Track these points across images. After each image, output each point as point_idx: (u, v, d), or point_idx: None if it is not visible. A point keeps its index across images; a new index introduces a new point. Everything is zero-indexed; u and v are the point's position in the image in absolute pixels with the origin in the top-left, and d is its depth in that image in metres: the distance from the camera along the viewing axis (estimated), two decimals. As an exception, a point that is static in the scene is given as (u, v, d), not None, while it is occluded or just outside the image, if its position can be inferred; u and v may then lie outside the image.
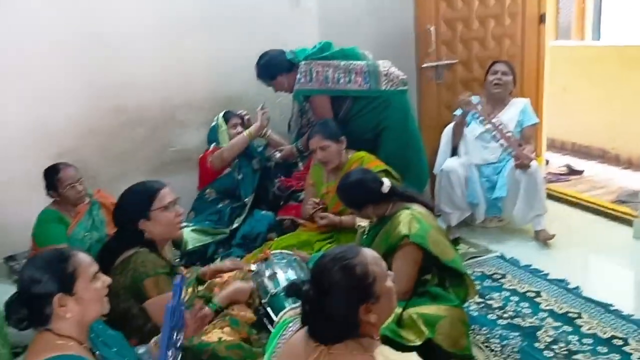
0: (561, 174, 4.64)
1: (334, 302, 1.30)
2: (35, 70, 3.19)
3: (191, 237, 3.06)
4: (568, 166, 4.79)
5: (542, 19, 3.95)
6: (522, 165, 3.17)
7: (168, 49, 3.47)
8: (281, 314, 1.68)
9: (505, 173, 3.37)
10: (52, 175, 2.84)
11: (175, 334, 1.56)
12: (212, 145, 3.34)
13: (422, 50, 3.75)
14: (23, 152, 3.25)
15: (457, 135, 3.47)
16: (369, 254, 1.38)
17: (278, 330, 1.54)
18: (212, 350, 1.90)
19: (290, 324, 1.50)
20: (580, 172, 4.68)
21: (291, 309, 1.61)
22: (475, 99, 3.37)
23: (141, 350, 1.73)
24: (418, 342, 1.95)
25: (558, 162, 4.96)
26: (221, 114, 3.38)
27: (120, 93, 3.43)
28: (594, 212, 3.70)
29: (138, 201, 2.10)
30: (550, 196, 3.87)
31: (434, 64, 3.78)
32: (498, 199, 3.40)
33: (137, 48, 3.41)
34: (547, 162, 4.83)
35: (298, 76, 3.09)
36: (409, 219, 2.15)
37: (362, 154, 2.95)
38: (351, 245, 1.50)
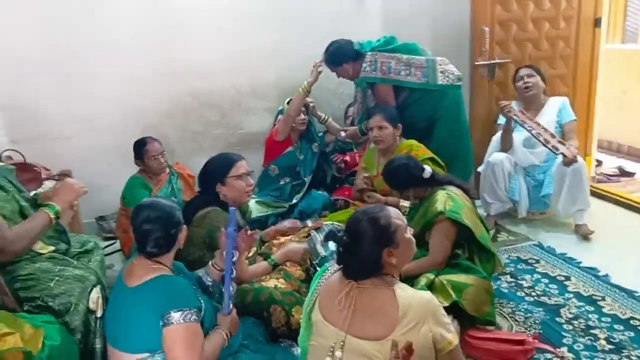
0: (612, 175, 4.72)
1: (362, 246, 1.63)
2: (124, 58, 3.68)
3: (255, 208, 3.46)
4: (620, 168, 4.85)
5: (597, 22, 4.06)
6: (569, 162, 3.30)
7: (238, 41, 3.87)
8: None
9: (552, 171, 3.54)
10: (140, 147, 3.30)
11: (233, 255, 1.93)
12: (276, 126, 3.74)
13: (476, 48, 3.98)
14: (113, 126, 3.76)
15: (506, 142, 3.60)
16: (393, 211, 1.71)
17: (319, 273, 1.87)
18: (269, 294, 2.26)
19: (329, 269, 1.83)
20: (632, 174, 4.74)
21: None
22: (514, 105, 3.54)
23: (200, 272, 2.11)
24: (445, 304, 2.24)
25: (611, 163, 5.02)
26: (286, 101, 3.74)
27: (194, 80, 3.88)
28: (638, 211, 3.80)
29: (218, 168, 2.49)
30: (597, 194, 4.01)
31: (487, 62, 3.99)
32: (546, 195, 3.58)
33: (210, 40, 3.83)
34: (600, 162, 4.91)
35: (364, 65, 3.41)
36: (445, 198, 2.45)
37: (412, 142, 3.22)
38: (380, 204, 1.83)
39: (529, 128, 3.39)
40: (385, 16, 4.02)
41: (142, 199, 3.19)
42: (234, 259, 1.95)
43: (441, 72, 3.42)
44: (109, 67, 3.66)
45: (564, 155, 3.28)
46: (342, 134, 3.73)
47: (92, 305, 1.96)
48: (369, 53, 3.42)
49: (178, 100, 3.89)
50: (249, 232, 2.26)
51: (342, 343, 1.61)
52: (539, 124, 3.39)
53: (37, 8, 3.48)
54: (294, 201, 3.61)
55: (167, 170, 3.44)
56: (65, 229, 2.32)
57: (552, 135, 3.33)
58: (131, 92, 3.76)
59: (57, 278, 1.93)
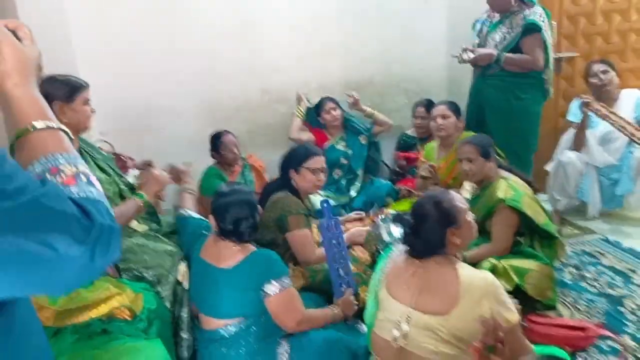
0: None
1: (427, 225, 1.76)
2: (200, 55, 3.89)
3: (318, 201, 3.62)
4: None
5: (671, 13, 3.96)
6: None
7: (308, 39, 4.03)
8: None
9: (631, 167, 3.48)
10: (216, 139, 3.55)
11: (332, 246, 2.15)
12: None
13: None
14: (191, 119, 4.00)
15: (581, 141, 3.54)
16: (456, 195, 1.84)
17: (385, 254, 2.01)
18: (336, 273, 2.43)
19: (394, 250, 1.97)
20: None
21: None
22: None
23: None
24: (508, 288, 2.32)
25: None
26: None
27: (267, 76, 4.07)
28: None
29: (297, 156, 2.69)
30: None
31: (555, 56, 3.97)
32: (622, 194, 3.54)
33: (281, 38, 4.00)
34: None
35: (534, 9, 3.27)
36: (505, 187, 2.53)
37: (471, 133, 3.29)
38: (444, 190, 1.95)
39: (612, 122, 3.33)
40: (451, 11, 4.08)
41: (217, 187, 3.52)
42: (338, 249, 2.13)
43: None
44: (189, 63, 3.89)
45: None
46: (469, 55, 3.36)
47: (180, 278, 2.18)
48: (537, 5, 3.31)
49: (249, 96, 4.11)
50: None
51: (408, 317, 1.74)
52: (621, 117, 3.34)
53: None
54: (353, 194, 3.75)
55: (240, 162, 3.67)
56: (156, 211, 2.57)
57: (637, 128, 3.27)
58: (205, 89, 4.00)
59: (151, 252, 2.18)
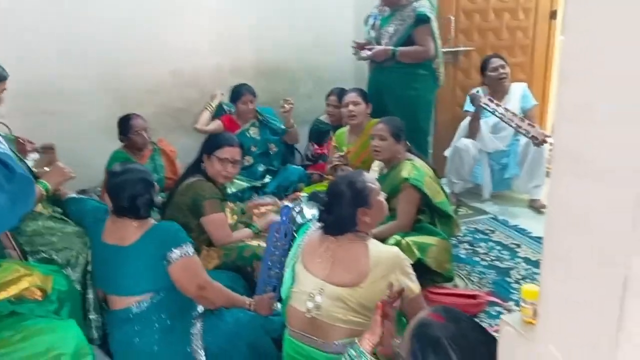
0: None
1: (341, 204, 1.89)
2: (107, 37, 3.77)
3: (229, 185, 3.66)
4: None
5: (553, 15, 4.39)
6: (541, 142, 3.56)
7: (220, 23, 4.03)
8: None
9: (517, 153, 3.84)
10: (125, 122, 3.46)
11: (280, 250, 2.23)
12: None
13: (442, 36, 4.23)
14: (96, 102, 3.86)
15: (474, 129, 3.84)
16: (368, 176, 1.97)
17: (302, 231, 2.11)
18: (253, 251, 2.53)
19: (311, 227, 2.08)
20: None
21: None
22: (482, 92, 3.82)
23: None
24: (411, 261, 2.50)
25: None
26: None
27: (177, 58, 4.02)
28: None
29: (210, 143, 2.71)
30: (547, 173, 4.36)
31: (452, 49, 4.27)
32: (510, 177, 3.91)
33: (193, 21, 3.97)
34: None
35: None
36: (410, 167, 2.73)
37: (378, 120, 3.48)
38: (358, 170, 2.08)
39: (500, 115, 3.61)
40: (358, 1, 4.24)
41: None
42: (279, 253, 2.22)
43: None
44: (92, 44, 3.76)
45: (535, 138, 3.53)
46: (367, 53, 3.56)
47: (90, 259, 2.15)
48: None
49: (161, 78, 4.03)
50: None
51: (321, 289, 1.86)
52: (507, 110, 3.65)
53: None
54: (266, 180, 3.83)
55: (150, 146, 3.61)
56: (59, 197, 2.49)
57: (522, 119, 3.60)
58: (114, 70, 3.88)
59: (59, 234, 2.12)
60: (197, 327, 2.04)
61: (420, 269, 2.56)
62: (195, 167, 2.70)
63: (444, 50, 4.21)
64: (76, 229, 2.19)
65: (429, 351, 1.07)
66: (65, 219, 2.31)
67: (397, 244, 2.61)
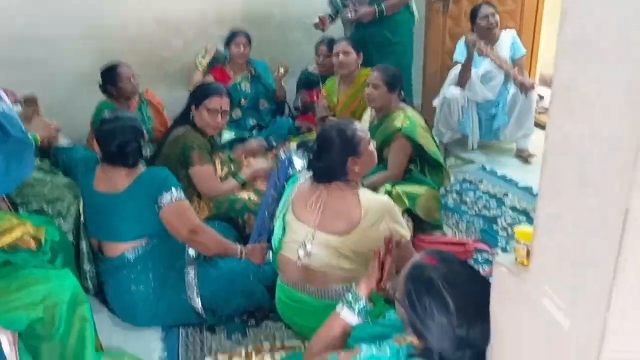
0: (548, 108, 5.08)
1: (331, 152, 1.88)
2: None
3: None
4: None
5: (545, -40, 4.29)
6: (529, 89, 3.60)
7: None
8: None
9: (506, 102, 3.82)
10: (111, 71, 3.33)
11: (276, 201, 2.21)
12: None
13: (432, -17, 4.16)
14: (75, 51, 3.74)
15: (465, 78, 3.78)
16: (358, 125, 1.96)
17: (292, 181, 2.12)
18: (244, 203, 2.54)
19: (301, 177, 2.08)
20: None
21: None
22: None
23: None
24: (401, 210, 2.55)
25: (548, 96, 5.38)
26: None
27: (161, 6, 3.89)
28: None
29: (199, 93, 2.66)
30: (539, 126, 4.36)
31: (443, -4, 4.19)
32: (498, 127, 3.90)
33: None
34: (542, 97, 5.28)
35: None
36: (402, 117, 2.72)
37: (369, 69, 3.44)
38: (349, 119, 2.08)
39: (493, 59, 3.62)
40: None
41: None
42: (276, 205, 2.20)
43: None
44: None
45: (523, 84, 3.55)
46: (353, 13, 3.60)
47: (82, 210, 2.15)
48: None
49: (144, 26, 3.91)
50: None
51: (312, 237, 1.88)
52: (499, 57, 3.63)
53: None
54: (254, 132, 3.78)
55: (137, 97, 3.53)
56: (48, 150, 2.45)
57: (512, 67, 3.59)
58: (95, 16, 3.74)
59: (50, 185, 2.11)
60: (192, 275, 2.07)
61: (410, 217, 2.61)
62: (184, 118, 2.66)
63: (433, -1, 4.16)
64: (66, 180, 2.18)
65: (423, 292, 1.10)
66: (55, 170, 2.29)
67: (388, 193, 2.63)
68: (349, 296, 1.43)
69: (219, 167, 2.88)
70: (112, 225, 2.07)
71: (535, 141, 3.95)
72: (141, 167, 2.15)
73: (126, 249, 2.06)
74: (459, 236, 2.81)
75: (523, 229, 0.99)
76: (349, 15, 3.56)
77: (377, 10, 3.54)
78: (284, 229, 2.01)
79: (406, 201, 2.59)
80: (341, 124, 1.95)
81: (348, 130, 1.91)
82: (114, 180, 2.09)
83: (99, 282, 2.17)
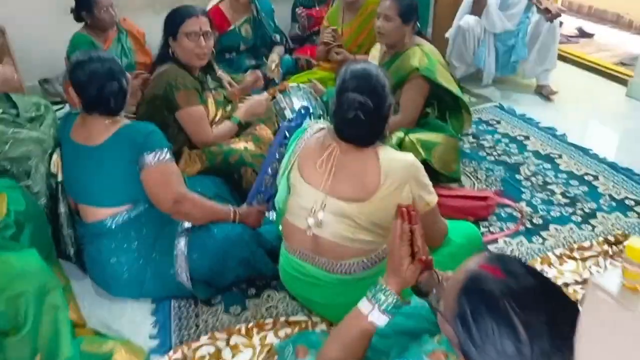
0: (572, 36, 4.71)
1: (387, 102, 1.55)
2: None
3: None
4: (580, 29, 4.83)
5: None
6: (554, 16, 3.22)
7: None
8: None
9: (526, 33, 3.46)
10: None
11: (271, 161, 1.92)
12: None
13: None
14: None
15: (481, 5, 3.40)
16: (380, 70, 1.62)
17: (297, 134, 1.80)
18: (239, 156, 2.22)
19: (308, 130, 1.77)
20: (590, 35, 4.75)
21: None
22: None
23: None
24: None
25: (572, 24, 4.99)
26: None
27: None
28: (595, 72, 3.89)
29: (172, 20, 2.26)
30: (559, 56, 4.00)
31: None
32: (516, 61, 3.55)
33: None
34: (561, 24, 4.86)
35: None
36: (420, 55, 2.37)
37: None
38: (364, 60, 1.74)
39: None
40: None
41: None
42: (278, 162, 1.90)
43: None
44: None
45: (547, 11, 3.18)
46: None
47: (53, 169, 1.86)
48: None
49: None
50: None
51: (323, 204, 1.60)
52: None
53: None
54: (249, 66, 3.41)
55: (114, 27, 3.15)
56: (9, 94, 2.12)
57: None
58: None
59: (11, 141, 1.80)
60: (181, 245, 1.81)
61: (425, 167, 2.32)
62: (164, 56, 2.30)
63: None
64: (33, 133, 1.87)
65: (484, 313, 0.83)
66: (19, 121, 1.97)
67: (400, 142, 2.34)
68: (379, 294, 1.17)
69: (212, 108, 2.55)
70: (89, 185, 1.79)
71: (557, 76, 3.62)
72: (124, 119, 1.84)
73: (107, 214, 1.79)
74: (477, 187, 2.54)
75: (636, 243, 0.72)
76: None
77: None
78: (289, 188, 1.73)
79: (421, 151, 2.30)
80: (373, 66, 1.61)
81: (381, 77, 1.57)
82: (94, 132, 1.78)
83: (79, 247, 1.91)
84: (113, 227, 1.79)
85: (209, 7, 3.35)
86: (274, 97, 2.73)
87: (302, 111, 1.93)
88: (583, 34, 4.76)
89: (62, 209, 1.87)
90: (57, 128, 2.07)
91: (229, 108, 2.51)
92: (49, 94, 3.56)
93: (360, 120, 1.53)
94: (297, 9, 3.65)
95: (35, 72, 3.48)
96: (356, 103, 1.53)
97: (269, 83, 3.14)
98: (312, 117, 2.48)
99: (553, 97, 3.47)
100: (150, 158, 1.74)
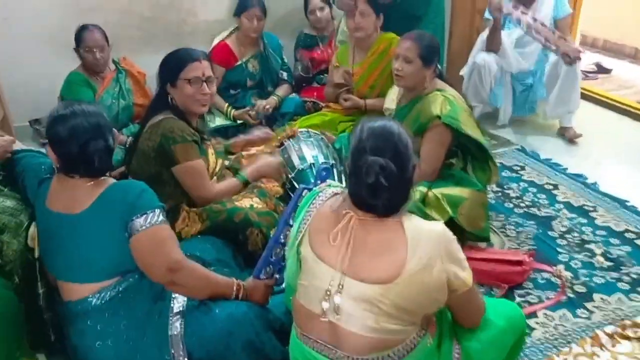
0: (589, 72, 4.51)
1: (411, 163, 1.34)
2: None
3: (208, 118, 3.03)
4: (597, 64, 4.64)
5: None
6: (573, 61, 3.02)
7: None
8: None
9: (545, 72, 3.28)
10: (78, 34, 2.82)
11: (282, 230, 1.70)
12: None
13: None
14: (45, 10, 3.16)
15: (495, 42, 3.22)
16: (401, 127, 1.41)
17: (307, 200, 1.57)
18: (245, 215, 1.98)
19: (320, 194, 1.53)
20: (608, 71, 4.56)
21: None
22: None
23: None
24: (441, 221, 2.02)
25: (588, 59, 4.79)
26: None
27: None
28: (620, 111, 3.68)
29: (171, 65, 2.06)
30: (583, 97, 3.80)
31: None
32: (535, 101, 3.36)
33: None
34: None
35: None
36: (441, 100, 2.15)
37: (393, 35, 2.86)
38: (383, 117, 1.53)
39: (524, 27, 3.03)
40: None
41: (84, 98, 2.80)
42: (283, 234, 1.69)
43: None
44: None
45: (567, 55, 2.98)
46: None
47: (30, 243, 1.62)
48: None
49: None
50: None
51: (340, 286, 1.35)
52: (535, 20, 3.04)
53: None
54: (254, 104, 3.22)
55: (113, 67, 2.97)
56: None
57: (552, 32, 3.00)
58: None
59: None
60: (177, 326, 1.56)
61: (449, 225, 2.08)
62: (160, 103, 2.09)
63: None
64: (7, 203, 1.63)
65: None
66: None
67: (423, 197, 2.11)
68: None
69: (212, 159, 2.34)
70: (71, 259, 1.54)
71: (579, 115, 3.40)
72: (109, 180, 1.60)
73: (90, 291, 1.54)
74: (507, 245, 2.29)
75: None
76: None
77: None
78: (299, 262, 1.49)
79: (448, 208, 2.07)
80: (393, 123, 1.38)
81: (403, 134, 1.35)
82: (73, 196, 1.55)
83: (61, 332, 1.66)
84: (99, 304, 1.54)
85: (215, 42, 3.24)
86: (281, 144, 2.51)
87: (323, 172, 1.68)
88: (601, 69, 4.57)
89: (41, 289, 1.63)
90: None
91: (230, 159, 2.30)
92: (39, 135, 3.35)
93: (381, 186, 1.29)
94: (297, 52, 3.50)
95: (26, 112, 3.29)
96: (376, 167, 1.30)
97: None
98: (334, 176, 2.27)
99: (577, 140, 3.24)
100: (140, 222, 1.50)
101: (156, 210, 1.54)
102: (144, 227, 1.50)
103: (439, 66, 2.32)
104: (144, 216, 1.51)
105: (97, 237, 1.53)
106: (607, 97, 3.83)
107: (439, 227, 1.39)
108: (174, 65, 2.07)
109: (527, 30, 3.08)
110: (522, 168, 2.96)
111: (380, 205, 1.34)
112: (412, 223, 1.37)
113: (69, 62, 2.90)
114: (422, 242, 1.33)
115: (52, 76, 2.94)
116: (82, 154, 1.51)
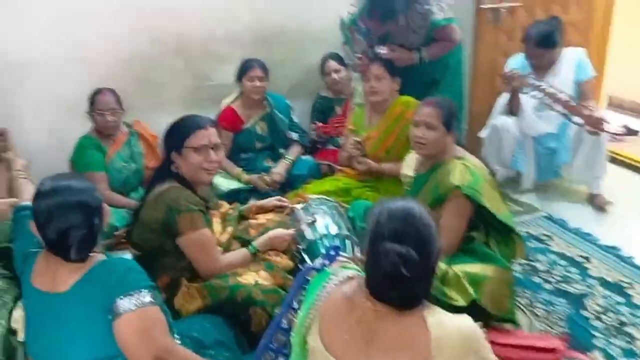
0: (617, 134, 4.34)
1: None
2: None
3: (220, 182, 2.95)
4: (625, 126, 4.47)
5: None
6: (596, 131, 2.90)
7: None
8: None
9: (569, 136, 3.13)
10: (92, 97, 2.81)
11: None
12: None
13: (481, -10, 3.47)
14: (60, 75, 3.14)
15: (513, 106, 3.14)
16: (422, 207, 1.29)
17: (317, 282, 1.43)
18: (248, 293, 1.84)
19: (332, 277, 1.39)
20: (636, 133, 4.39)
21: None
22: (520, 61, 3.08)
23: None
24: (463, 304, 1.85)
25: (615, 121, 4.64)
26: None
27: (160, 21, 3.28)
28: (651, 176, 3.48)
29: (177, 133, 1.99)
30: (612, 160, 3.64)
31: (494, 5, 3.49)
32: (559, 165, 3.22)
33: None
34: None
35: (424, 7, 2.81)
36: (461, 170, 2.02)
37: (409, 98, 2.78)
38: (406, 198, 1.39)
39: (541, 97, 2.91)
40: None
41: (94, 162, 2.77)
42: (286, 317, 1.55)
43: None
44: (52, 3, 3.01)
45: (589, 124, 2.85)
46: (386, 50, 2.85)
47: (14, 325, 1.50)
48: None
49: (139, 45, 3.28)
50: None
51: (354, 386, 1.19)
52: (551, 87, 2.91)
53: None
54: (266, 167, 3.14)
55: (125, 129, 2.94)
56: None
57: (572, 99, 2.88)
58: (82, 35, 3.13)
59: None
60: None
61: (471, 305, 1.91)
62: (165, 172, 2.01)
63: (484, 6, 3.47)
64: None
65: None
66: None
67: (443, 275, 1.94)
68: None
69: (219, 227, 2.22)
70: (53, 343, 1.41)
71: (609, 181, 3.22)
72: (97, 256, 1.48)
73: (78, 378, 1.39)
74: (536, 326, 2.09)
75: None
76: (381, 51, 2.83)
77: (417, 57, 2.86)
78: (305, 352, 1.34)
79: (470, 289, 1.89)
80: (417, 205, 1.27)
81: (425, 216, 1.25)
82: (56, 274, 1.43)
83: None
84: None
85: (222, 106, 3.22)
86: (292, 211, 2.39)
87: (332, 252, 1.54)
88: (629, 131, 4.40)
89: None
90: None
91: (241, 227, 2.18)
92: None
93: (401, 276, 1.16)
94: (313, 115, 3.48)
95: (40, 176, 3.24)
96: (395, 255, 1.17)
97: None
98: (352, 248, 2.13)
99: (607, 207, 3.06)
100: (124, 303, 1.36)
101: (142, 290, 1.40)
102: (128, 310, 1.36)
103: (457, 132, 2.21)
104: (128, 297, 1.37)
105: (79, 319, 1.39)
106: (637, 161, 3.65)
107: (466, 324, 1.24)
108: (179, 133, 2.00)
109: (544, 99, 2.93)
110: (550, 237, 2.78)
111: (400, 297, 1.21)
112: (436, 318, 1.22)
113: (81, 127, 2.88)
114: (449, 341, 1.18)
115: (64, 139, 2.91)
116: (60, 242, 1.39)
